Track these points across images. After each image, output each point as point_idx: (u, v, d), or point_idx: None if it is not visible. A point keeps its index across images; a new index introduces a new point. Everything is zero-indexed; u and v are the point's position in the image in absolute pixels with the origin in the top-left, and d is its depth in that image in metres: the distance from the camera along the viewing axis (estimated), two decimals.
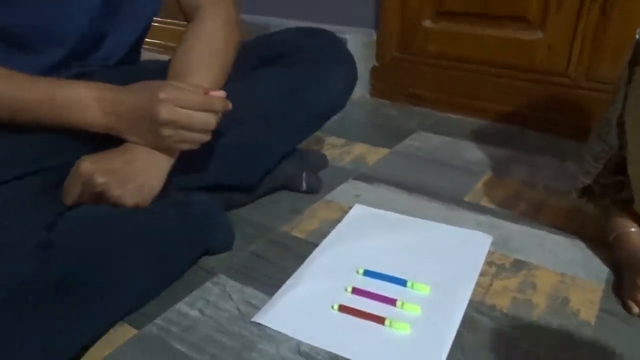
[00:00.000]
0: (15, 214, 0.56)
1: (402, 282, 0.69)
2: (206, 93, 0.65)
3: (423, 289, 0.68)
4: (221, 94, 0.66)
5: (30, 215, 0.56)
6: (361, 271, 0.71)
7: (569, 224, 0.83)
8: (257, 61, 0.83)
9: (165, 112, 0.61)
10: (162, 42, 1.95)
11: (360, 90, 1.45)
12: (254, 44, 0.85)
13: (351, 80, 0.87)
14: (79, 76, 0.70)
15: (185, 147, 0.66)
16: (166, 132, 0.63)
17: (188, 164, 0.74)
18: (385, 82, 1.44)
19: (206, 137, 0.66)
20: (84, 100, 0.63)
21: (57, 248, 0.54)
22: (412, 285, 0.68)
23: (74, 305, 0.55)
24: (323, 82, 0.83)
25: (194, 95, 0.63)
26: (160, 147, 0.65)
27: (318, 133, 1.14)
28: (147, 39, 0.85)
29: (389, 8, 1.36)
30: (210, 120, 0.65)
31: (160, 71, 0.82)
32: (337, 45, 0.86)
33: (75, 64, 0.72)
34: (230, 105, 0.66)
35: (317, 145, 1.14)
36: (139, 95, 0.63)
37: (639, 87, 0.63)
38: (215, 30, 0.74)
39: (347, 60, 0.86)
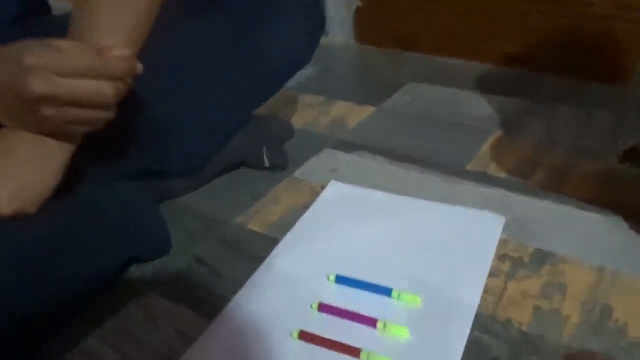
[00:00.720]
0: None
1: (386, 292, 0.52)
2: (100, 53, 0.46)
3: (413, 301, 0.51)
4: (123, 52, 0.47)
5: None
6: (332, 277, 0.54)
7: (603, 196, 0.65)
8: (189, 8, 0.63)
9: (37, 84, 0.43)
10: None
11: (343, 36, 1.24)
12: None
13: (314, 25, 0.68)
14: None
15: (80, 128, 0.48)
16: (46, 110, 0.44)
17: (103, 149, 0.56)
18: (372, 25, 1.22)
19: (106, 114, 0.48)
20: None
21: None
22: (399, 295, 0.51)
23: None
24: (275, 28, 0.63)
25: (78, 58, 0.44)
26: (44, 131, 0.47)
27: (290, 90, 0.95)
28: None
29: None
30: (104, 90, 0.46)
31: (57, 25, 0.63)
32: None
33: None
34: (139, 67, 0.48)
35: (285, 106, 0.94)
36: (3, 64, 0.45)
37: None
38: None
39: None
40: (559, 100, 0.91)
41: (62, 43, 0.45)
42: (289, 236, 0.61)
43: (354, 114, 0.91)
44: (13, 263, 0.45)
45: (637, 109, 0.55)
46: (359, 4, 1.21)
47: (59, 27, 0.61)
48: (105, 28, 0.50)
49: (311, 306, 0.51)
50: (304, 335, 0.48)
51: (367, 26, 1.23)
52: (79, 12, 0.52)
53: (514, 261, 0.56)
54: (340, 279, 0.54)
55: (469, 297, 0.51)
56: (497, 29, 1.06)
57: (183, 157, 0.65)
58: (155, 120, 0.59)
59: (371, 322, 0.49)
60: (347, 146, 0.80)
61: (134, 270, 0.58)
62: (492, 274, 0.54)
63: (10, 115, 0.46)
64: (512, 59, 1.06)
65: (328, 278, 0.54)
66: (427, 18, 1.13)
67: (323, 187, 0.70)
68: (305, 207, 0.66)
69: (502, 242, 0.58)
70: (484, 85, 0.99)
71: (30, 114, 0.45)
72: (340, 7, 1.21)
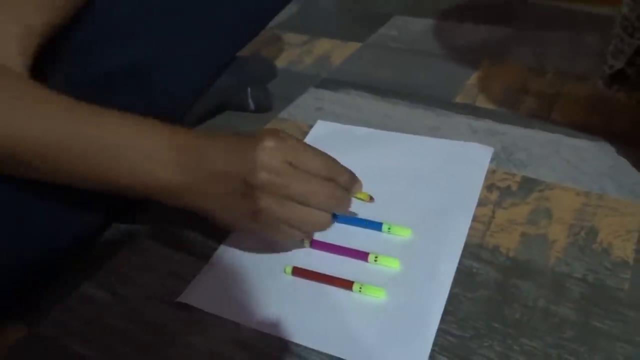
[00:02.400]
0: None
1: (377, 226, 0.52)
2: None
3: (403, 233, 0.51)
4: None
5: None
6: None
7: (591, 121, 0.65)
8: None
9: (267, 167, 0.40)
10: None
11: None
12: None
13: None
14: None
15: (288, 234, 0.44)
16: (264, 202, 0.41)
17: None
18: None
19: (326, 219, 0.44)
20: (152, 150, 0.41)
21: None
22: (390, 228, 0.52)
23: None
24: None
25: (314, 152, 0.43)
26: (255, 228, 0.44)
27: (273, 29, 0.92)
28: None
29: None
30: (333, 193, 0.43)
31: None
32: None
33: None
34: (361, 184, 0.47)
35: (268, 46, 0.91)
36: (236, 148, 0.42)
37: None
38: None
39: None
40: (547, 24, 0.89)
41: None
42: None
43: (339, 51, 0.88)
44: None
45: (623, 30, 0.54)
46: None
47: None
48: None
49: (302, 242, 0.51)
50: (297, 271, 0.48)
51: None
52: None
53: (501, 190, 0.56)
54: (315, 243, 0.53)
55: (458, 226, 0.52)
56: None
57: (166, 101, 0.63)
58: (137, 62, 0.57)
59: (362, 255, 0.49)
60: (333, 84, 0.79)
61: (126, 217, 0.58)
62: (480, 203, 0.54)
63: (222, 204, 0.43)
64: None
65: (303, 243, 0.53)
66: None
67: (310, 127, 0.69)
68: None
69: (491, 172, 0.58)
70: (470, 13, 0.96)
71: (246, 204, 0.42)
72: None
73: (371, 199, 0.51)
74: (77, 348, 0.44)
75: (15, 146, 0.39)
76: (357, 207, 0.54)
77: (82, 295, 0.49)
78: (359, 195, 0.50)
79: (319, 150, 0.44)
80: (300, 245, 0.51)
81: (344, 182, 0.45)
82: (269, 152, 0.41)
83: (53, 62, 0.54)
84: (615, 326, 0.41)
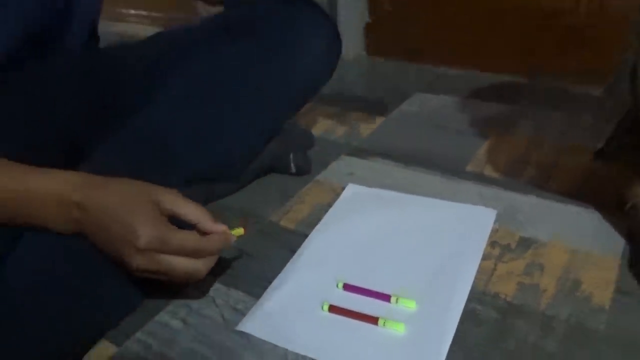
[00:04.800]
0: None
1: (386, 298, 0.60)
2: (208, 228, 0.55)
3: (409, 304, 0.59)
4: (225, 231, 0.56)
5: None
6: (340, 285, 0.63)
7: (582, 190, 0.76)
8: (225, 36, 0.75)
9: (141, 261, 0.51)
10: (151, 14, 1.87)
11: (355, 49, 1.36)
12: (221, 18, 0.78)
13: (334, 46, 0.79)
14: (36, 71, 0.64)
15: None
16: (140, 267, 0.52)
17: (159, 161, 0.69)
18: (381, 38, 1.34)
19: (201, 270, 0.55)
20: (49, 203, 0.51)
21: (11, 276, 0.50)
22: (397, 300, 0.60)
23: (38, 336, 0.51)
24: (302, 50, 0.75)
25: (186, 241, 0.53)
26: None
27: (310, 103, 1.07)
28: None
29: None
30: (200, 270, 0.54)
31: (127, 53, 0.76)
32: (312, 8, 0.77)
33: (28, 55, 0.64)
34: (232, 240, 0.57)
35: (306, 116, 1.06)
36: (115, 224, 0.51)
37: None
38: None
39: (326, 24, 0.77)
40: (548, 104, 1.02)
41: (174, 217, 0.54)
42: (315, 231, 0.73)
43: (367, 123, 1.03)
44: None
45: (603, 117, 0.67)
46: (369, 20, 1.33)
47: (112, 59, 0.74)
48: None
49: (337, 285, 0.63)
50: (332, 308, 0.60)
51: (376, 40, 1.35)
52: None
53: (502, 247, 0.67)
54: (347, 287, 0.63)
55: (466, 275, 0.63)
56: (493, 42, 1.17)
57: (225, 165, 0.77)
58: (202, 133, 0.71)
59: (386, 297, 0.61)
60: (362, 152, 0.92)
61: None
62: (484, 257, 0.66)
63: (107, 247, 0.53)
64: (506, 66, 1.18)
65: (337, 285, 0.63)
66: (430, 32, 1.25)
67: (343, 188, 0.82)
68: (329, 205, 0.78)
69: (494, 231, 0.70)
70: (481, 93, 1.10)
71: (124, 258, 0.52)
72: (351, 24, 1.33)
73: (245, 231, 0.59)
74: None
75: None
76: (379, 256, 0.66)
77: (159, 322, 0.61)
78: (235, 233, 0.58)
79: (189, 237, 0.53)
80: (335, 288, 0.63)
81: (211, 251, 0.55)
82: (142, 253, 0.50)
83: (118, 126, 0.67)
84: (591, 356, 0.51)
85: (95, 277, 0.57)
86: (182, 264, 0.53)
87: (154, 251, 0.51)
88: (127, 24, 1.83)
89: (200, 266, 0.54)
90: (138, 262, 0.51)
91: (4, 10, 0.58)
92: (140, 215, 0.51)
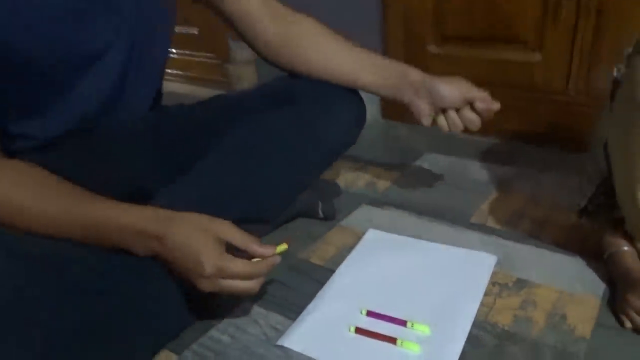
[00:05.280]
0: (69, 264, 0.63)
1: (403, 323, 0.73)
2: (256, 253, 0.67)
3: (422, 329, 0.71)
4: (274, 255, 0.68)
5: (83, 263, 0.64)
6: (364, 312, 0.75)
7: (570, 241, 0.88)
8: (270, 103, 0.90)
9: (206, 284, 0.64)
10: (191, 74, 2.06)
11: (372, 114, 1.51)
12: (267, 87, 0.93)
13: (359, 119, 0.94)
14: (112, 130, 0.78)
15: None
16: (205, 284, 0.64)
17: (211, 203, 0.82)
18: (395, 104, 1.50)
19: (253, 287, 0.67)
20: (131, 236, 0.64)
21: (108, 293, 0.62)
22: (412, 325, 0.72)
23: (123, 344, 0.63)
24: (334, 120, 0.89)
25: (242, 268, 0.64)
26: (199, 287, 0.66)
27: None
28: None
29: (393, 35, 1.43)
30: (254, 288, 0.67)
31: (187, 113, 0.91)
32: (344, 87, 0.93)
33: (102, 119, 0.78)
34: (277, 260, 0.68)
35: (332, 170, 1.21)
36: (189, 249, 0.63)
37: (616, 116, 0.68)
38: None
39: (355, 99, 0.92)
40: (542, 167, 1.16)
41: (232, 251, 0.65)
42: (341, 267, 0.86)
43: (384, 177, 1.17)
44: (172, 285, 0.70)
45: (586, 180, 0.80)
46: None
47: (175, 117, 0.88)
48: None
49: (361, 312, 0.75)
50: (358, 330, 0.72)
51: (390, 105, 1.52)
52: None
53: (501, 286, 0.79)
54: (370, 313, 0.75)
55: (470, 308, 0.75)
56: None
57: (262, 211, 0.90)
58: (245, 185, 0.85)
59: (403, 322, 0.72)
60: (379, 202, 1.06)
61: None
62: (486, 294, 0.78)
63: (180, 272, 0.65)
64: (506, 133, 1.33)
65: (361, 312, 0.75)
66: None
67: (363, 232, 0.95)
68: (352, 246, 0.91)
69: (494, 273, 0.82)
70: (484, 155, 1.25)
71: (192, 279, 0.64)
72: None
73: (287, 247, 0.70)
74: None
75: (23, 218, 0.61)
76: (396, 290, 0.78)
77: (211, 337, 0.73)
78: (279, 250, 0.68)
79: (244, 264, 0.64)
80: (359, 314, 0.74)
81: (262, 273, 0.66)
82: (210, 265, 0.62)
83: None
84: None
85: (162, 298, 0.69)
86: (238, 285, 0.65)
87: (215, 277, 0.63)
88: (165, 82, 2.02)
89: (253, 285, 0.66)
90: (204, 285, 0.64)
91: (84, 87, 0.72)
92: (204, 248, 0.63)
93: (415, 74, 0.91)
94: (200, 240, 0.64)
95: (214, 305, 0.77)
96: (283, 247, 0.69)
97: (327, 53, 0.90)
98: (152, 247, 0.64)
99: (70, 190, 0.64)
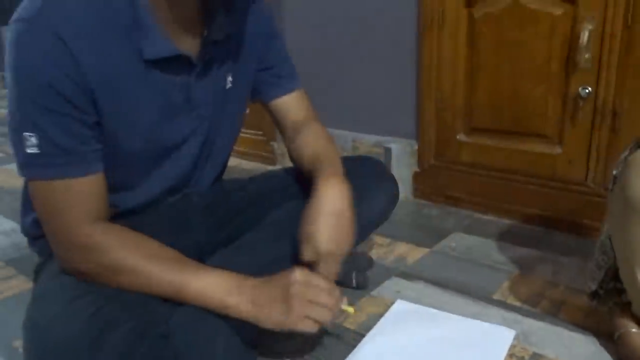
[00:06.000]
0: (144, 310, 0.75)
1: None
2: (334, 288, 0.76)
3: None
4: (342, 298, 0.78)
5: (155, 309, 0.76)
6: None
7: (585, 322, 0.95)
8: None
9: (298, 282, 0.72)
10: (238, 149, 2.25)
11: (404, 192, 1.64)
12: None
13: (393, 198, 1.05)
14: (179, 202, 0.93)
15: (306, 324, 0.73)
16: (295, 303, 0.71)
17: (256, 268, 0.92)
18: (425, 185, 1.63)
19: (327, 318, 0.73)
20: (227, 287, 0.74)
21: (171, 337, 0.73)
22: None
23: None
24: (369, 200, 1.01)
25: (322, 277, 0.75)
26: (286, 320, 0.72)
27: None
28: None
29: (427, 123, 1.58)
30: (333, 300, 0.74)
31: (241, 187, 1.05)
32: (381, 169, 1.05)
33: (176, 194, 0.93)
34: (346, 299, 0.79)
35: (364, 243, 1.32)
36: (276, 278, 0.74)
37: (613, 210, 0.78)
38: (327, 134, 0.97)
39: (390, 182, 1.04)
40: (563, 251, 1.24)
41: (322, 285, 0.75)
42: (371, 333, 0.94)
43: (413, 253, 1.27)
44: (225, 336, 0.80)
45: (595, 266, 0.89)
46: (417, 169, 1.64)
47: (230, 193, 1.02)
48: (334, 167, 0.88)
49: None
50: None
51: (422, 186, 1.64)
52: (315, 159, 0.90)
53: (518, 358, 0.86)
54: None
55: None
56: (519, 195, 1.43)
57: None
58: (289, 254, 0.95)
59: None
60: (408, 276, 1.16)
61: (275, 345, 0.92)
62: None
63: (269, 311, 0.72)
64: (529, 218, 1.43)
65: None
66: (466, 184, 1.54)
67: (392, 302, 1.04)
68: (381, 314, 1.00)
69: (512, 347, 0.89)
70: (508, 237, 1.35)
71: (283, 303, 0.71)
72: (402, 172, 1.63)
73: (354, 312, 0.79)
74: None
75: (139, 284, 0.73)
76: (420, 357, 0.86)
77: None
78: (346, 308, 0.78)
79: (322, 276, 0.75)
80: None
81: (338, 295, 0.75)
82: (298, 275, 0.72)
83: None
84: None
85: (213, 353, 0.79)
86: (323, 294, 0.73)
87: (302, 285, 0.72)
88: None
89: (334, 301, 0.74)
90: (296, 276, 0.72)
91: (163, 170, 0.87)
92: (292, 270, 0.74)
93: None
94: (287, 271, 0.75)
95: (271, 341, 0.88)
96: (350, 308, 0.79)
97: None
98: (247, 294, 0.74)
99: (176, 255, 0.77)
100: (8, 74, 0.69)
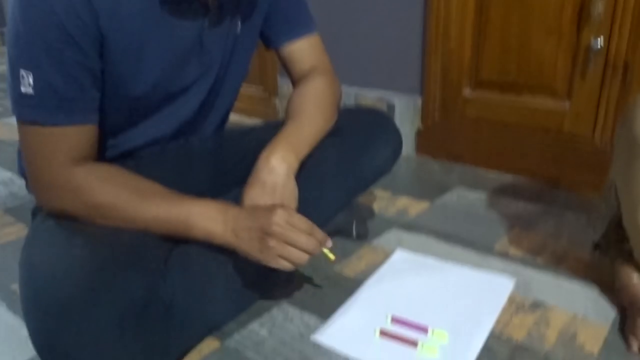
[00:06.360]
0: (142, 249, 0.74)
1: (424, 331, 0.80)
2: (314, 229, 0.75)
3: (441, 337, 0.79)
4: (325, 237, 0.77)
5: (152, 249, 0.75)
6: (389, 318, 0.83)
7: (587, 273, 0.95)
8: None
9: (277, 223, 0.72)
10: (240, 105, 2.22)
11: (407, 149, 1.62)
12: None
13: (397, 151, 1.03)
14: (180, 147, 0.91)
15: (281, 264, 0.73)
16: (272, 242, 0.72)
17: None
18: (429, 142, 1.61)
19: (302, 260, 0.73)
20: (213, 215, 0.74)
21: (168, 278, 0.73)
22: (433, 332, 0.79)
23: (176, 325, 0.72)
24: (372, 153, 0.99)
25: (304, 220, 0.74)
26: (262, 256, 0.73)
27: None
28: None
29: (432, 78, 1.54)
30: (312, 243, 0.73)
31: (242, 136, 1.03)
32: (385, 122, 1.02)
33: (180, 139, 0.91)
34: (330, 243, 0.78)
35: (366, 196, 1.31)
36: (258, 213, 0.74)
37: (619, 148, 0.76)
38: (323, 90, 0.93)
39: (394, 134, 1.02)
40: (567, 207, 1.23)
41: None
42: (371, 279, 0.94)
43: (414, 206, 1.26)
44: (223, 276, 0.80)
45: (599, 217, 0.87)
46: (420, 127, 1.61)
47: (233, 140, 1.00)
48: (310, 121, 0.87)
49: (387, 318, 0.83)
50: (383, 333, 0.79)
51: (425, 143, 1.62)
52: (295, 107, 0.89)
53: (518, 305, 0.86)
54: (395, 319, 0.83)
55: (487, 322, 0.81)
56: (525, 151, 1.41)
57: None
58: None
59: (424, 330, 0.80)
60: (409, 227, 1.15)
61: (275, 290, 0.92)
62: (503, 311, 0.84)
63: (248, 243, 0.73)
64: (534, 174, 1.41)
65: (386, 318, 0.83)
66: (471, 140, 1.51)
67: (392, 252, 1.03)
68: (380, 263, 0.99)
69: (513, 294, 0.89)
70: (512, 192, 1.33)
71: (260, 241, 0.72)
72: (405, 128, 1.61)
73: (334, 259, 0.79)
74: (254, 356, 0.76)
75: (125, 220, 0.73)
76: (421, 303, 0.86)
77: (252, 330, 0.82)
78: (327, 253, 0.77)
79: (305, 218, 0.74)
80: (385, 319, 0.82)
81: (319, 238, 0.75)
82: (279, 216, 0.72)
83: None
84: None
85: (212, 290, 0.79)
86: (302, 239, 0.72)
87: (286, 219, 0.72)
88: None
89: (313, 243, 0.73)
90: (275, 223, 0.71)
91: (169, 112, 0.85)
92: (275, 206, 0.74)
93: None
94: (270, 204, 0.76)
95: (270, 285, 0.88)
96: (331, 254, 0.79)
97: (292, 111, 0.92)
98: (230, 224, 0.74)
99: (160, 189, 0.76)
100: (16, 10, 0.66)
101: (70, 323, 0.62)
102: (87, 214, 0.74)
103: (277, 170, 0.80)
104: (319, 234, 0.76)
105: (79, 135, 0.73)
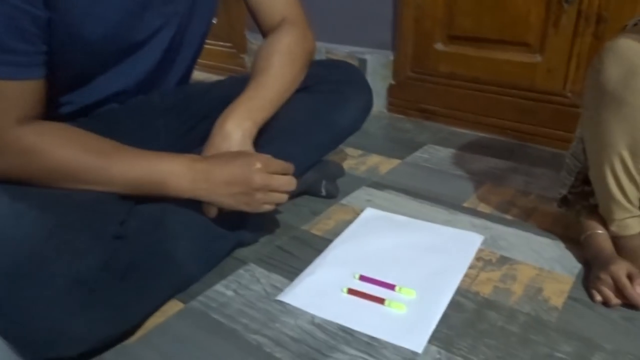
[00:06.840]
0: (95, 211, 0.71)
1: (391, 287, 0.79)
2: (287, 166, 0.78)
3: (409, 293, 0.78)
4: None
5: (107, 210, 0.71)
6: (357, 276, 0.82)
7: (554, 228, 0.95)
8: None
9: (259, 179, 0.74)
10: (208, 62, 2.14)
11: (378, 106, 1.59)
12: None
13: (367, 107, 0.99)
14: (141, 102, 0.86)
15: (267, 207, 0.77)
16: (258, 195, 0.75)
17: None
18: (401, 99, 1.58)
19: (284, 199, 0.78)
20: (181, 171, 0.72)
21: (126, 240, 0.69)
22: (400, 289, 0.79)
23: (136, 288, 0.70)
24: (342, 108, 0.96)
25: (276, 162, 0.76)
26: (249, 208, 0.76)
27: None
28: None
29: (404, 32, 1.50)
30: (292, 181, 0.77)
31: (206, 91, 0.98)
32: (356, 76, 0.99)
33: (139, 94, 0.86)
34: (292, 170, 0.80)
35: (336, 155, 1.28)
36: (234, 167, 0.74)
37: (588, 98, 0.75)
38: (293, 43, 0.88)
39: (364, 89, 0.98)
40: (536, 163, 1.23)
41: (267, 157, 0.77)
42: (340, 238, 0.93)
43: (385, 164, 1.24)
44: (184, 233, 0.77)
45: (566, 172, 0.87)
46: (392, 82, 1.58)
47: (196, 96, 0.95)
48: (276, 78, 0.84)
49: (354, 276, 0.82)
50: (351, 291, 0.78)
51: (396, 100, 1.59)
52: (262, 61, 0.86)
53: (485, 261, 0.86)
54: (362, 277, 0.82)
55: (454, 278, 0.81)
56: (497, 108, 1.40)
57: None
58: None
59: (391, 287, 0.79)
60: (379, 185, 1.13)
61: (242, 250, 0.90)
62: (470, 267, 0.84)
63: (227, 198, 0.74)
64: (504, 131, 1.40)
65: (354, 276, 0.82)
66: (443, 96, 1.49)
67: (362, 211, 1.02)
68: (350, 222, 0.98)
69: (480, 250, 0.89)
70: (482, 149, 1.32)
71: (246, 196, 0.74)
72: (377, 84, 1.57)
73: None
74: (216, 318, 0.74)
75: (79, 180, 0.69)
76: (390, 260, 0.85)
77: (217, 290, 0.80)
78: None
79: (278, 160, 0.77)
80: (352, 278, 0.81)
81: (292, 172, 0.78)
82: (258, 167, 0.73)
83: None
84: (542, 339, 0.69)
85: (175, 250, 0.76)
86: (282, 180, 0.76)
87: (265, 170, 0.74)
88: None
89: (292, 180, 0.77)
90: (257, 179, 0.73)
91: (128, 65, 0.80)
92: (252, 153, 0.77)
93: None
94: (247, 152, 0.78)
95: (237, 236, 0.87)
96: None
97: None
98: (199, 176, 0.73)
99: (120, 147, 0.73)
100: None
101: (20, 292, 0.59)
102: (40, 179, 0.68)
103: (231, 136, 0.78)
104: (291, 168, 0.79)
105: (24, 91, 0.67)
